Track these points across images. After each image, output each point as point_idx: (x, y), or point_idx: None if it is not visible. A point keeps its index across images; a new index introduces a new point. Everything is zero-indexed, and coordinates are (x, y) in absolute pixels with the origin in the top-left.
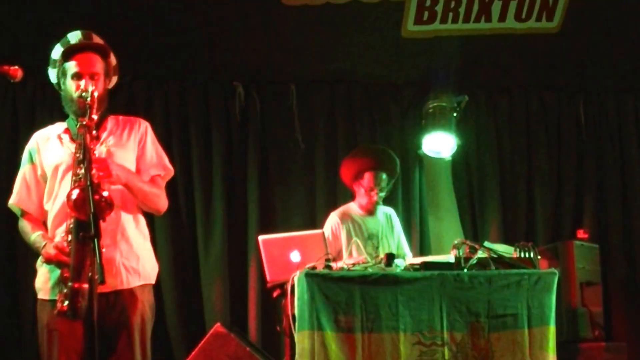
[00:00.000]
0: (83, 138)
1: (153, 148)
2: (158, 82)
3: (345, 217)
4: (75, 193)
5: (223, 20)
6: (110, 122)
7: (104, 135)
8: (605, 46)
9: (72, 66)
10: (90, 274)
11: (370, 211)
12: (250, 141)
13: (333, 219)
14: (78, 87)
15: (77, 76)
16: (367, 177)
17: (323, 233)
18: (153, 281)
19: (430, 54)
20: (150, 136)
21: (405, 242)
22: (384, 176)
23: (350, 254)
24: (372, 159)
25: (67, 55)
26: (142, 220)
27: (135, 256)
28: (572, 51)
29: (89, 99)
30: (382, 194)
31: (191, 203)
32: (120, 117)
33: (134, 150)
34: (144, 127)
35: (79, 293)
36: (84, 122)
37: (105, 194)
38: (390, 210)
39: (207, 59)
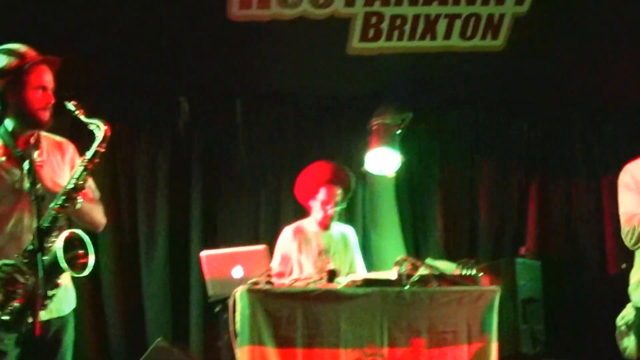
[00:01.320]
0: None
1: None
2: (103, 97)
3: (297, 233)
4: None
5: (169, 34)
6: (44, 140)
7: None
8: (549, 64)
9: (36, 78)
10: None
11: (326, 226)
12: (194, 156)
13: (286, 234)
14: (42, 99)
15: (42, 88)
16: (323, 191)
17: (266, 249)
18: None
19: (376, 71)
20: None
21: (360, 262)
22: (339, 191)
23: (300, 270)
24: (328, 173)
25: (21, 67)
26: None
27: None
28: (516, 69)
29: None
30: (337, 209)
31: (134, 217)
32: (47, 136)
33: (68, 173)
34: (72, 150)
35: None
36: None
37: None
38: (348, 229)
39: (153, 73)
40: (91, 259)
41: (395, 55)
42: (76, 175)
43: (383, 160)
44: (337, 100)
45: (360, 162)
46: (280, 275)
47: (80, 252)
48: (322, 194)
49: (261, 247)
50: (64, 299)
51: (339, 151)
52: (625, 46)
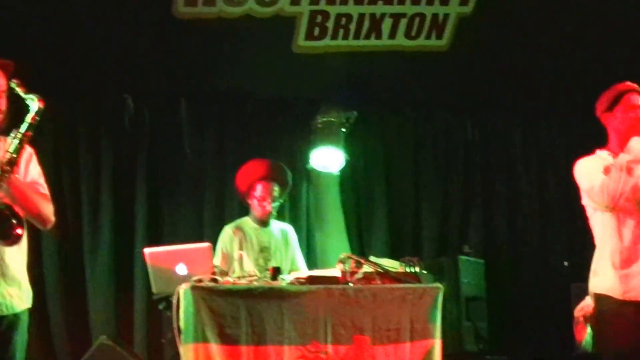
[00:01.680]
0: None
1: (36, 170)
2: (48, 93)
3: (238, 230)
4: None
5: (114, 31)
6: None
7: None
8: (493, 66)
9: None
10: None
11: (264, 223)
12: (139, 154)
13: (226, 232)
14: None
15: None
16: (259, 187)
17: (210, 246)
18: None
19: (321, 70)
20: (34, 160)
21: (301, 260)
22: (276, 187)
23: (241, 267)
24: (263, 170)
25: None
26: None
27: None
28: (461, 70)
29: None
30: (275, 205)
31: (78, 214)
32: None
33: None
34: (28, 153)
35: None
36: None
37: None
38: (288, 227)
39: (98, 70)
40: (21, 230)
41: (341, 54)
42: (11, 149)
43: (328, 159)
44: (282, 99)
45: (305, 160)
46: (223, 273)
47: (13, 221)
48: (258, 191)
49: (205, 244)
50: (16, 296)
51: (284, 149)
52: (566, 50)
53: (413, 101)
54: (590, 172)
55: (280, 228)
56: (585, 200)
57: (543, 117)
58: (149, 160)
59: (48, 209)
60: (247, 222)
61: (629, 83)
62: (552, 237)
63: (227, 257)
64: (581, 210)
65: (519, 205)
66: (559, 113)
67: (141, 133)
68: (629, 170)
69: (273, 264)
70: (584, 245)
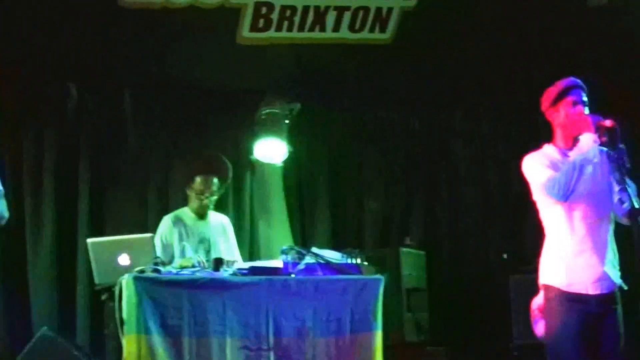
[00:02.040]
0: None
1: None
2: None
3: (177, 221)
4: None
5: (58, 19)
6: None
7: None
8: (436, 59)
9: None
10: None
11: (202, 215)
12: (82, 143)
13: (165, 223)
14: None
15: None
16: (198, 181)
17: (152, 237)
18: None
19: (265, 62)
20: None
21: (237, 252)
22: (215, 180)
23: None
24: (203, 163)
25: None
26: None
27: None
28: (404, 63)
29: None
30: (214, 198)
31: (20, 204)
32: None
33: None
34: None
35: None
36: None
37: None
38: (225, 218)
39: (41, 58)
40: None
41: (285, 46)
42: None
43: (271, 150)
44: (226, 90)
45: (249, 151)
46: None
47: None
48: (197, 184)
49: (148, 235)
50: None
51: (228, 140)
52: (509, 43)
53: (356, 94)
54: (539, 167)
55: (218, 220)
56: (535, 196)
57: (485, 111)
58: (93, 150)
59: (3, 209)
60: (185, 212)
61: (572, 79)
62: (492, 230)
63: (167, 247)
64: (520, 204)
65: (460, 199)
66: (500, 106)
67: (85, 122)
68: (581, 168)
69: (213, 254)
70: (522, 239)
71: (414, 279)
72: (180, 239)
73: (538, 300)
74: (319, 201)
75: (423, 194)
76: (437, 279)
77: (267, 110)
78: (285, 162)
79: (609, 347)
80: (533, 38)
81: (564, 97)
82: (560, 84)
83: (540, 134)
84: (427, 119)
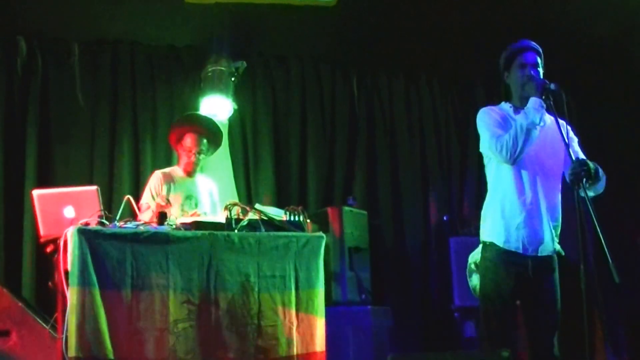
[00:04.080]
0: None
1: None
2: None
3: (167, 177)
4: None
5: None
6: None
7: None
8: (380, 24)
9: None
10: None
11: (189, 173)
12: (31, 97)
13: (156, 176)
14: None
15: None
16: (187, 138)
17: (97, 189)
18: None
19: (211, 20)
20: None
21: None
22: (205, 141)
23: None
24: (194, 122)
25: None
26: None
27: None
28: (348, 26)
29: None
30: (201, 157)
31: None
32: None
33: None
34: None
35: None
36: None
37: None
38: (212, 182)
39: None
40: None
41: (231, 4)
42: None
43: (217, 107)
44: (173, 47)
45: (196, 108)
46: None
47: None
48: (186, 141)
49: (93, 187)
50: None
51: (175, 97)
52: (452, 9)
53: (301, 53)
54: (491, 123)
55: (205, 181)
56: (483, 149)
57: (425, 74)
58: (41, 104)
59: None
60: (176, 170)
61: (524, 41)
62: (432, 192)
63: (156, 200)
64: (460, 167)
65: (401, 160)
66: (441, 70)
67: (33, 76)
68: (528, 132)
69: (200, 210)
70: (461, 201)
71: (356, 239)
72: (169, 193)
73: (475, 255)
74: (263, 158)
75: (364, 156)
76: (379, 239)
77: (213, 68)
78: (230, 119)
79: (544, 313)
80: (479, 5)
81: (514, 59)
82: (511, 47)
83: (476, 100)
84: (370, 83)
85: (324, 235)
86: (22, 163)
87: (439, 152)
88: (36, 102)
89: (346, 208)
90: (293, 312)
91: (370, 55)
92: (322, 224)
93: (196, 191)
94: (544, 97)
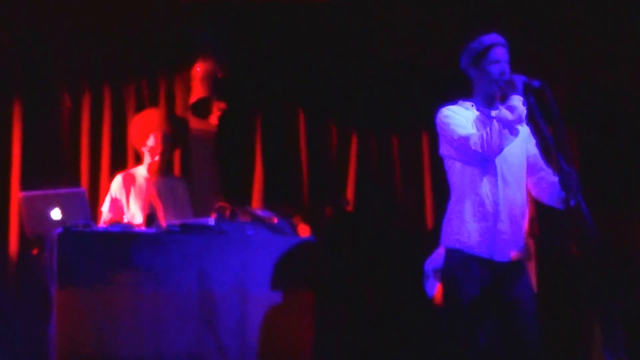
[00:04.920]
0: None
1: None
2: None
3: (128, 179)
4: None
5: None
6: None
7: None
8: (376, 18)
9: None
10: None
11: (154, 172)
12: None
13: (116, 181)
14: None
15: None
16: (152, 138)
17: (84, 192)
18: None
19: (202, 18)
20: None
21: (190, 215)
22: (169, 138)
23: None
24: (158, 120)
25: None
26: None
27: None
28: (341, 22)
29: None
30: (166, 156)
31: None
32: None
33: None
34: None
35: None
36: None
37: None
38: (178, 181)
39: None
40: None
41: (222, 3)
42: None
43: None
44: (164, 44)
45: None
46: (110, 220)
47: None
48: (151, 140)
49: (81, 189)
50: None
51: (165, 97)
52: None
53: (292, 51)
54: (458, 122)
55: (171, 181)
56: (445, 150)
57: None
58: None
59: None
60: (139, 170)
61: (495, 35)
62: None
63: (115, 204)
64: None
65: (397, 159)
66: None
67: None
68: (512, 129)
69: (161, 211)
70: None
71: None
72: (128, 197)
73: (434, 263)
74: (253, 159)
75: (357, 153)
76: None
77: (203, 67)
78: (219, 118)
79: (513, 317)
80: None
81: (486, 54)
82: (483, 41)
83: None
84: (364, 79)
85: (313, 238)
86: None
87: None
88: None
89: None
90: (283, 312)
91: (367, 51)
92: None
93: (161, 192)
94: (524, 96)
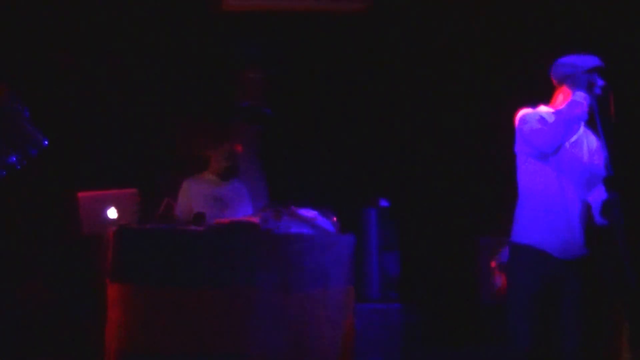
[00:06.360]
0: None
1: None
2: None
3: (193, 182)
4: None
5: None
6: None
7: None
8: (414, 27)
9: None
10: None
11: (222, 177)
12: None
13: (186, 184)
14: None
15: None
16: (227, 146)
17: (136, 192)
18: None
19: (248, 29)
20: None
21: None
22: (240, 145)
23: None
24: (231, 127)
25: None
26: None
27: None
28: (379, 32)
29: None
30: (236, 162)
31: None
32: None
33: None
34: None
35: None
36: None
37: None
38: (242, 186)
39: None
40: None
41: (265, 13)
42: None
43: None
44: (210, 55)
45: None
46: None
47: None
48: (225, 147)
49: (132, 190)
50: None
51: (211, 104)
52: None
53: (332, 61)
54: (531, 120)
55: (237, 185)
56: (518, 147)
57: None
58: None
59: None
60: (206, 175)
61: (598, 59)
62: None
63: (186, 206)
64: (489, 166)
65: (429, 162)
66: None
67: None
68: (569, 122)
69: (228, 214)
70: (490, 201)
71: (385, 238)
72: (196, 199)
73: (502, 257)
74: (297, 162)
75: (394, 155)
76: (408, 239)
77: (249, 76)
78: (265, 125)
79: (572, 316)
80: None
81: (589, 78)
82: (591, 63)
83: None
84: (402, 86)
85: (353, 235)
86: None
87: (467, 153)
88: None
89: (375, 209)
90: (325, 309)
91: (401, 58)
92: (353, 224)
93: (227, 195)
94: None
